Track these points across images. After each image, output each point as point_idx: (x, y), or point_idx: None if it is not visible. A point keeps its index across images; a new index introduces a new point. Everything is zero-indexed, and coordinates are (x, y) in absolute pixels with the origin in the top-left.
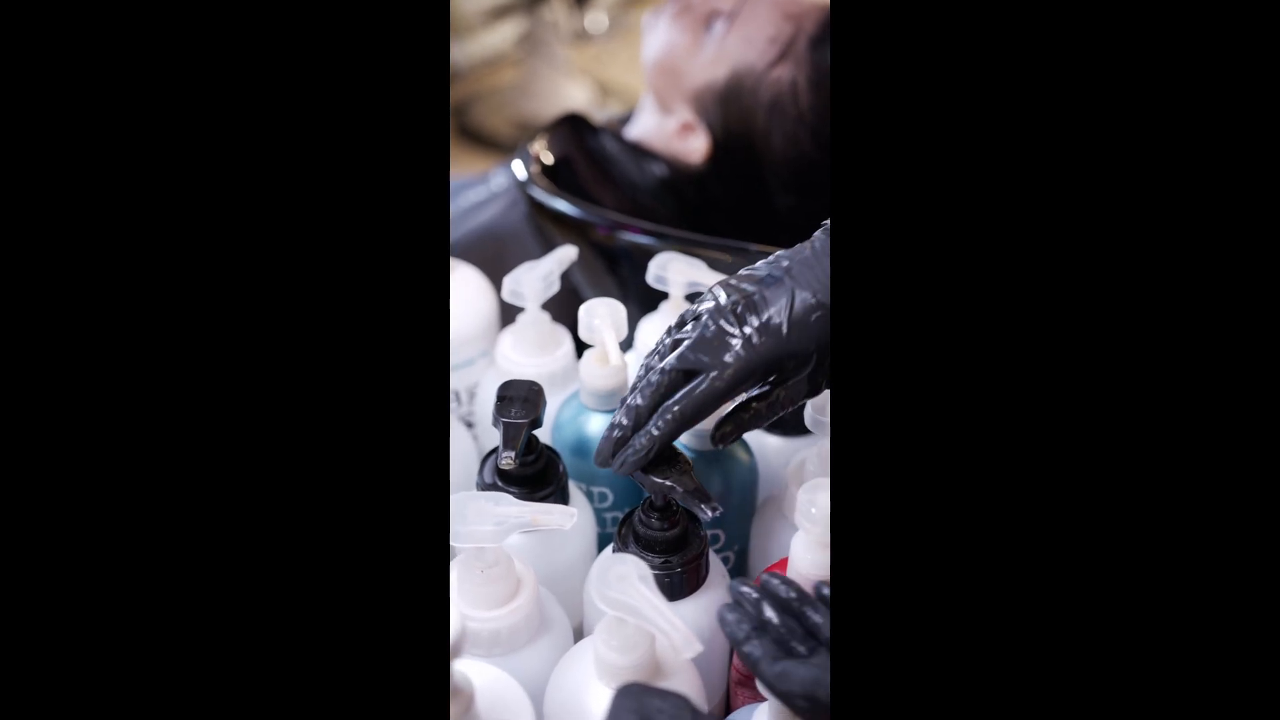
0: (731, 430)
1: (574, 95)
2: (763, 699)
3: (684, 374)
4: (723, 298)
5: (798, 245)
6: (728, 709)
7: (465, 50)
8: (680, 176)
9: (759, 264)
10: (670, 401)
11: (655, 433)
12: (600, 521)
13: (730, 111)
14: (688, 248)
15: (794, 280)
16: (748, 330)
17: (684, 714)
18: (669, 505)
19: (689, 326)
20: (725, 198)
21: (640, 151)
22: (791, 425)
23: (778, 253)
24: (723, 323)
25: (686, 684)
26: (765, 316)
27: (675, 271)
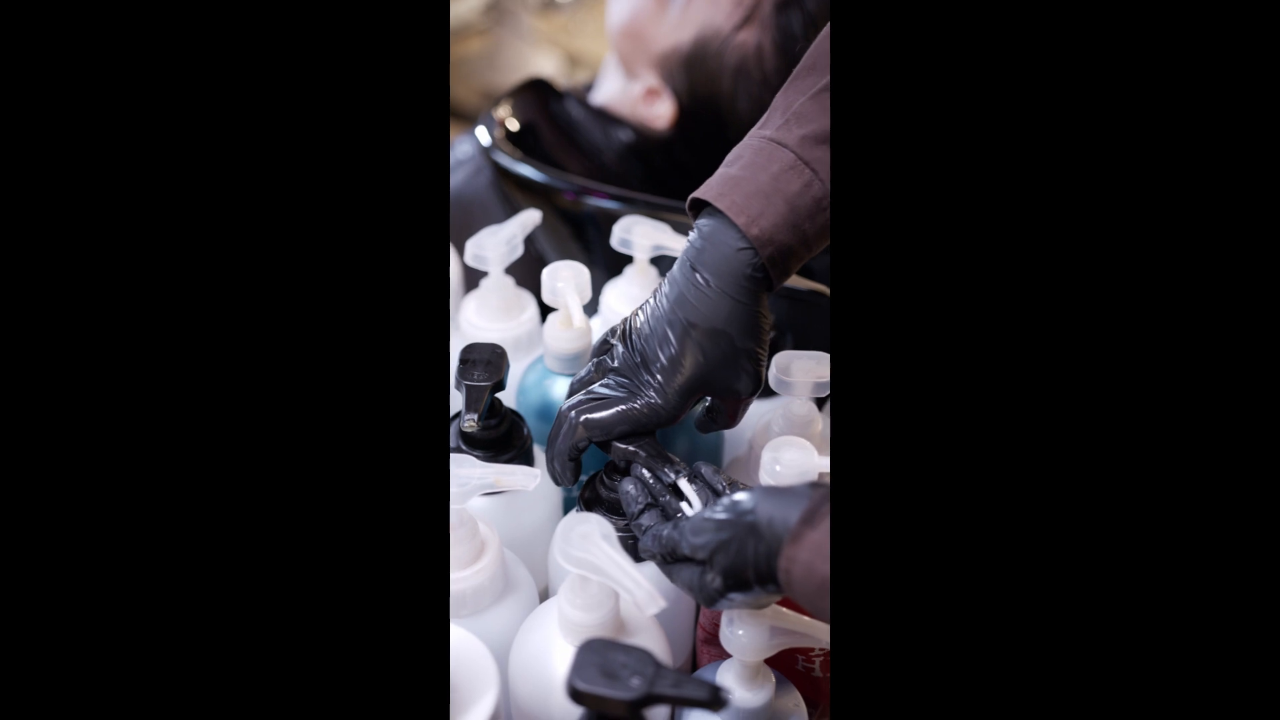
0: (707, 429)
1: (542, 65)
2: (728, 655)
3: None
4: (620, 348)
5: (668, 274)
6: (694, 668)
7: None
8: (646, 141)
9: (651, 298)
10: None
11: (558, 445)
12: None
13: (695, 76)
14: (654, 212)
15: (678, 311)
16: (650, 379)
17: (647, 667)
18: (631, 467)
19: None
20: (692, 162)
21: (606, 117)
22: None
23: (661, 283)
24: (624, 380)
25: (651, 642)
26: (660, 362)
27: (640, 235)
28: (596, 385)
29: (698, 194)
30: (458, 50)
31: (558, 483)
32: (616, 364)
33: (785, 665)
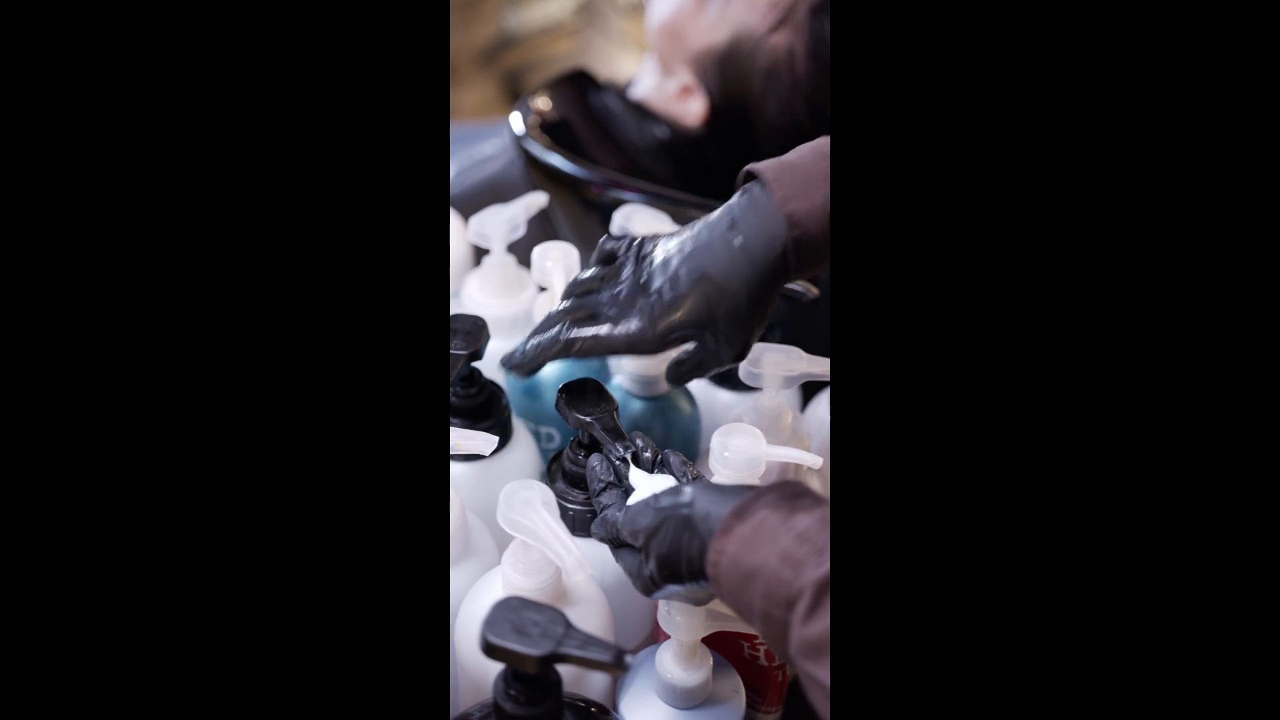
0: (675, 377)
1: (627, 66)
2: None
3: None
4: (629, 265)
5: (705, 219)
6: None
7: (523, 18)
8: (679, 138)
9: (677, 235)
10: (573, 330)
11: (536, 342)
12: (545, 459)
13: (728, 75)
14: (679, 208)
15: (700, 257)
16: (644, 307)
17: (556, 626)
18: (595, 443)
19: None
20: (721, 162)
21: (642, 112)
22: (741, 380)
23: (693, 224)
24: (618, 300)
25: (592, 611)
26: (661, 296)
27: (639, 224)
28: (594, 296)
29: (749, 167)
30: (547, 50)
31: (510, 366)
32: (620, 278)
33: (731, 652)
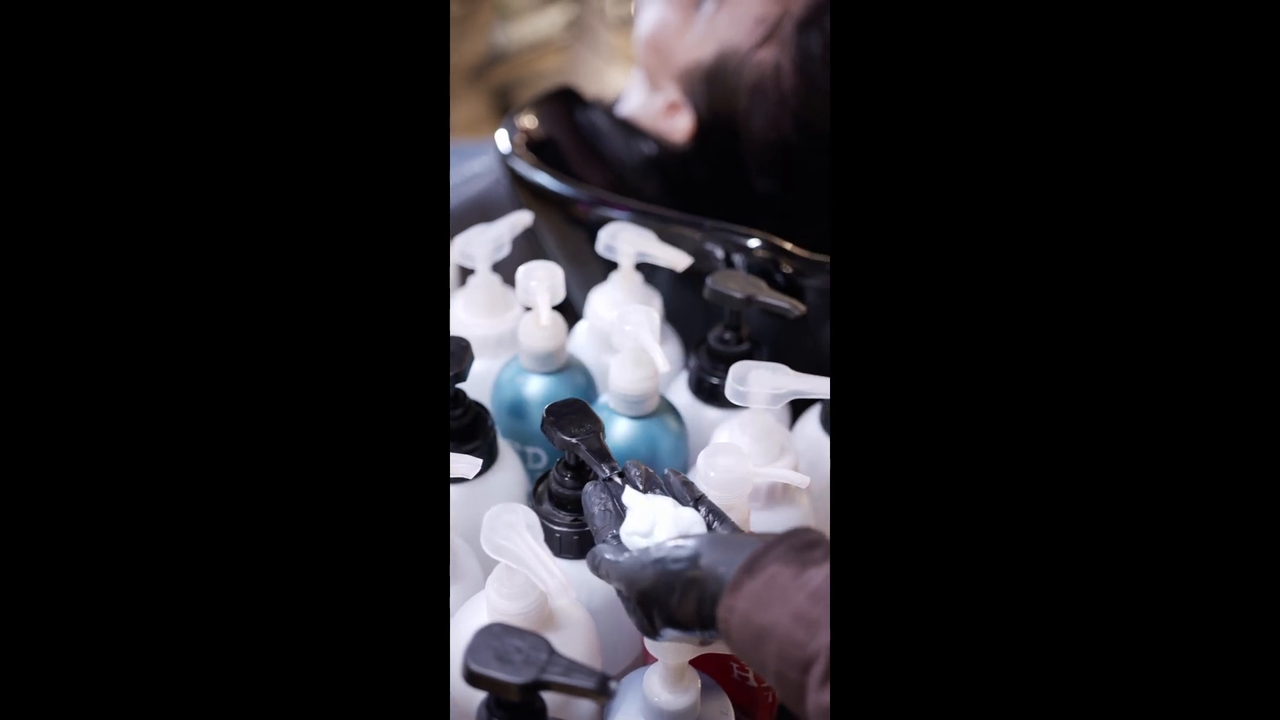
0: None
1: (616, 81)
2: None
3: None
4: None
5: None
6: None
7: (512, 34)
8: (666, 156)
9: None
10: None
11: None
12: (532, 480)
13: (714, 91)
14: (666, 226)
15: None
16: None
17: (539, 653)
18: (581, 465)
19: None
20: (708, 179)
21: (629, 128)
22: (728, 399)
23: None
24: None
25: (579, 638)
26: None
27: (625, 242)
28: None
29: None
30: (537, 65)
31: None
32: None
33: (720, 673)
